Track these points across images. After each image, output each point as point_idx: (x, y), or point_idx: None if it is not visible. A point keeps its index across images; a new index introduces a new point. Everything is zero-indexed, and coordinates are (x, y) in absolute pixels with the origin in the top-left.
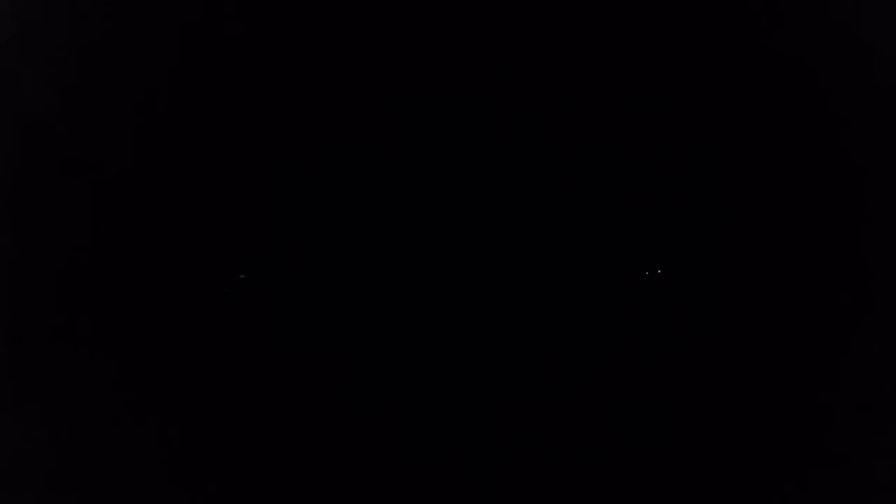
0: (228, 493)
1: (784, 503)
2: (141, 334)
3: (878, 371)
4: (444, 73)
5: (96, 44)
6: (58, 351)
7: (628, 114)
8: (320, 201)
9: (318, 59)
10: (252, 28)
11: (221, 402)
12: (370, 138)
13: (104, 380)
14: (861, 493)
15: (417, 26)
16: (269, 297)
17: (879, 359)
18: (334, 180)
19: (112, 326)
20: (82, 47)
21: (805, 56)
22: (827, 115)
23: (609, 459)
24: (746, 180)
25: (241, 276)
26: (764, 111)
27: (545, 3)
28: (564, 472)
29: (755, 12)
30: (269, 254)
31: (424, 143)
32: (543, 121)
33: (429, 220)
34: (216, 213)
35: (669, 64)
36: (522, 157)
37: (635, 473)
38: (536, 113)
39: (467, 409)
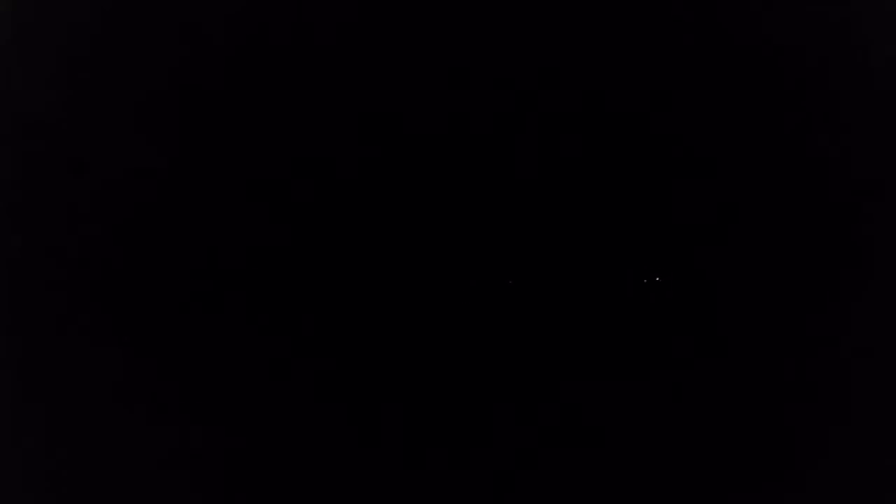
0: (230, 494)
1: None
2: (142, 335)
3: (881, 372)
4: (451, 75)
5: (97, 43)
6: (58, 352)
7: (628, 114)
8: (327, 203)
9: (319, 60)
10: (253, 28)
11: (224, 402)
12: (374, 137)
13: (104, 381)
14: (864, 494)
15: (418, 26)
16: (274, 295)
17: (882, 360)
18: (342, 179)
19: (113, 327)
20: (82, 47)
21: (806, 56)
22: (828, 115)
23: (609, 462)
24: (746, 180)
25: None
26: (764, 111)
27: (542, 3)
28: (564, 473)
29: (755, 11)
30: (271, 252)
31: (424, 144)
32: (541, 121)
33: (429, 222)
34: (218, 213)
35: (668, 63)
36: (520, 158)
37: (636, 477)
38: (535, 113)
39: (466, 410)
